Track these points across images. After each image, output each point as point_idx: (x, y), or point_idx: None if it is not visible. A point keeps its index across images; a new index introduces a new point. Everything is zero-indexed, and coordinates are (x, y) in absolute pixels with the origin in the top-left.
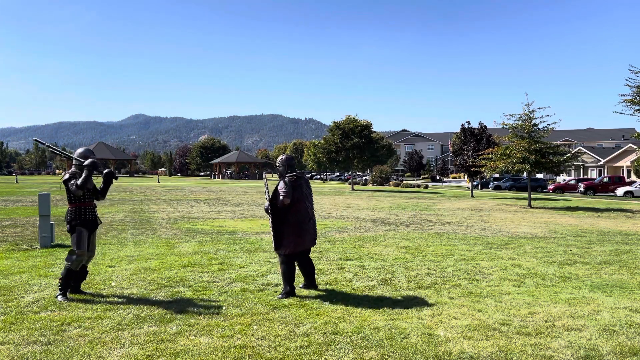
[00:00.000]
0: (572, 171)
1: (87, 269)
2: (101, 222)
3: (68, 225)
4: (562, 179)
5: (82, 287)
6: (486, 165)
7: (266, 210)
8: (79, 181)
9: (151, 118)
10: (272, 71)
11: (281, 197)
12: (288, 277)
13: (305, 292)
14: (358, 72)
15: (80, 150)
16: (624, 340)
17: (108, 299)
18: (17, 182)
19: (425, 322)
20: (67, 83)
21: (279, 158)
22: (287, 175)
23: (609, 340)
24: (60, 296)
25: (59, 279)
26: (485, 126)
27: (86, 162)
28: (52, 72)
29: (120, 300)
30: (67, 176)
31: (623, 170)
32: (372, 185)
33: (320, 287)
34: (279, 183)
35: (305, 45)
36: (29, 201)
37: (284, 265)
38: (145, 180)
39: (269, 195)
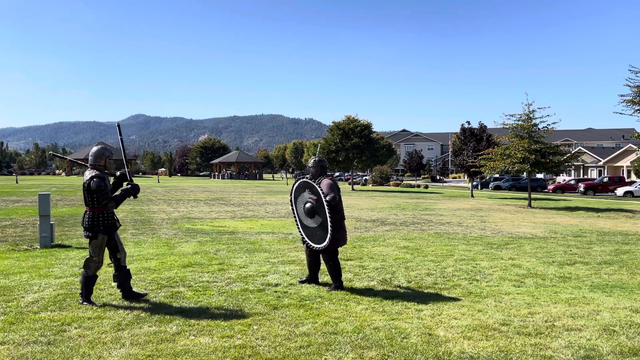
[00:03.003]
0: (572, 171)
1: (129, 268)
2: (120, 225)
3: (87, 232)
4: (562, 179)
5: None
6: (486, 165)
7: (313, 209)
8: (116, 199)
9: (151, 118)
10: (272, 71)
11: (332, 195)
12: (340, 271)
13: (305, 292)
14: (358, 72)
15: (95, 148)
16: (624, 340)
17: (108, 299)
18: (17, 182)
19: (425, 322)
20: (67, 83)
21: (312, 160)
22: (327, 175)
23: (609, 340)
24: (85, 302)
25: (82, 290)
26: (485, 126)
27: (133, 184)
28: (53, 72)
29: (120, 300)
30: (96, 181)
31: (623, 170)
32: (372, 185)
33: (320, 287)
34: (320, 182)
35: (305, 45)
36: (29, 201)
37: (334, 261)
38: (145, 180)
39: (321, 194)
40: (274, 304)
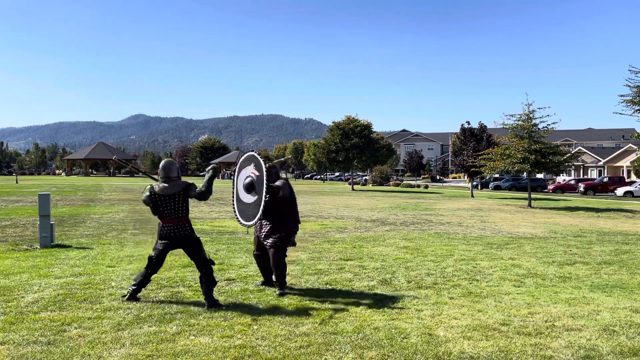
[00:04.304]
0: (572, 171)
1: (151, 278)
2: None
3: (195, 235)
4: (562, 179)
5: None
6: (486, 166)
7: (252, 185)
8: (209, 189)
9: (151, 118)
10: (272, 71)
11: (280, 189)
12: (285, 272)
13: (305, 292)
14: (358, 72)
15: (166, 163)
16: (624, 340)
17: (108, 299)
18: (17, 182)
19: (425, 322)
20: (67, 83)
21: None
22: (280, 179)
23: (609, 340)
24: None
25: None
26: (485, 126)
27: (212, 164)
28: (52, 72)
29: (120, 300)
30: (193, 185)
31: (623, 170)
32: (372, 185)
33: (320, 287)
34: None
35: (305, 45)
36: (29, 201)
37: (283, 260)
38: (145, 180)
39: (264, 172)
40: (274, 304)
